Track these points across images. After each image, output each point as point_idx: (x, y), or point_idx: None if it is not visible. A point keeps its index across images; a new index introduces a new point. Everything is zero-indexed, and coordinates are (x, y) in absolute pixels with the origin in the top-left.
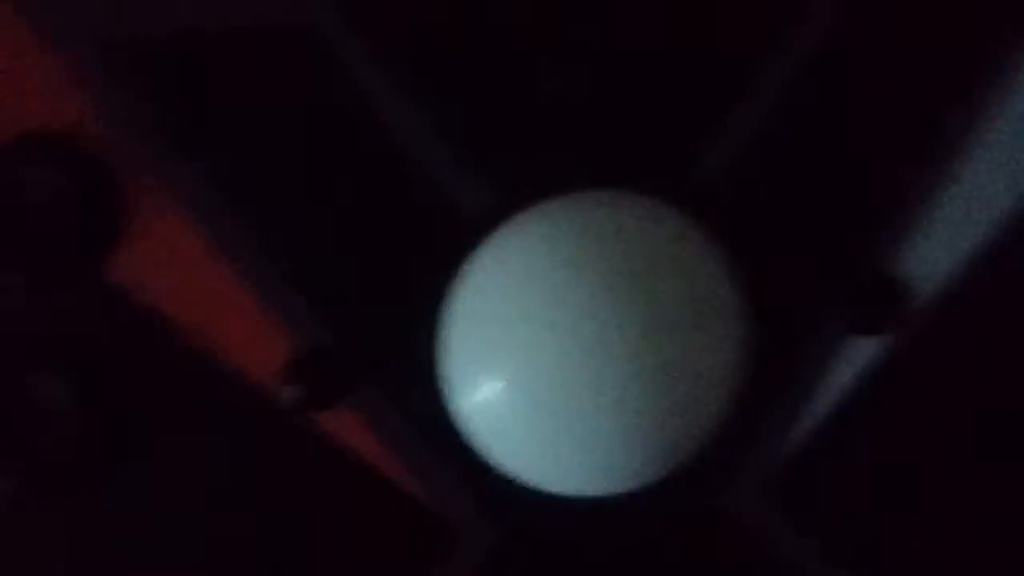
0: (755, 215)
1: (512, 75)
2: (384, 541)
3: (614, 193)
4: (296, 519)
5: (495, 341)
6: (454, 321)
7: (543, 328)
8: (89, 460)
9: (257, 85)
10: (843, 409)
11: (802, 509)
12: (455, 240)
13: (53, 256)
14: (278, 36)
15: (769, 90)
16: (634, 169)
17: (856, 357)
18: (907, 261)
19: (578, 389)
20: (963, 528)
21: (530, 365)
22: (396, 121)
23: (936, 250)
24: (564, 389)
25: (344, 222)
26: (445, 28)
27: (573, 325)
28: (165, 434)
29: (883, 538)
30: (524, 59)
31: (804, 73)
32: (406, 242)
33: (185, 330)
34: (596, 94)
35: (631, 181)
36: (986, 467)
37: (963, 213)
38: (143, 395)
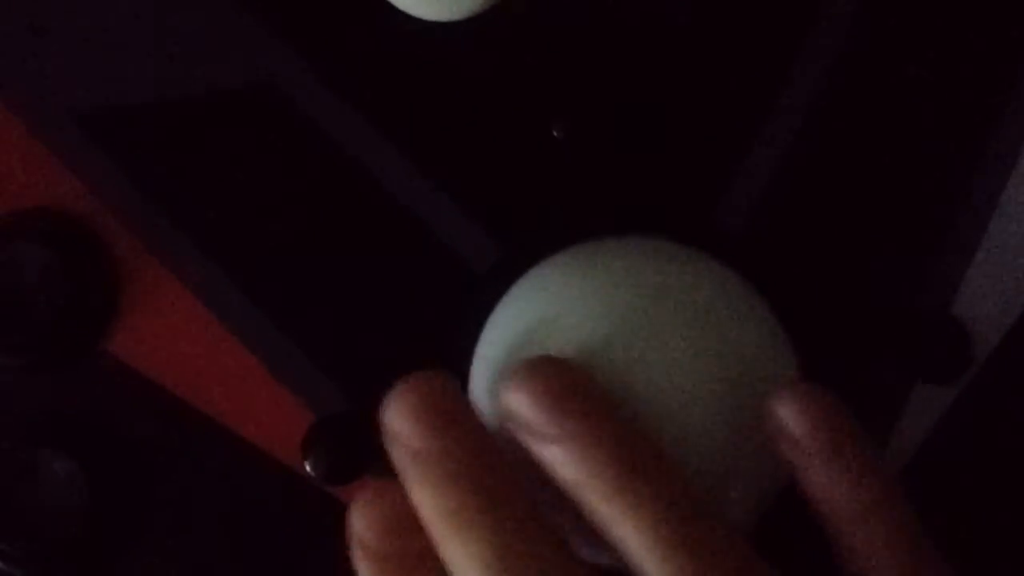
0: (789, 257)
1: (519, 118)
2: None
3: (636, 239)
4: None
5: None
6: (479, 383)
7: None
8: (97, 539)
9: (241, 147)
10: (916, 466)
11: None
12: (471, 297)
13: (51, 334)
14: (256, 97)
15: (792, 121)
16: (653, 214)
17: (925, 408)
18: (968, 299)
19: None
20: None
21: None
22: (390, 176)
23: (997, 285)
24: None
25: (352, 285)
26: (440, 73)
27: (607, 385)
28: (177, 512)
29: None
30: (532, 100)
31: (826, 100)
32: (419, 302)
33: (193, 403)
34: (609, 135)
35: (652, 227)
36: None
37: (1021, 240)
38: (153, 472)
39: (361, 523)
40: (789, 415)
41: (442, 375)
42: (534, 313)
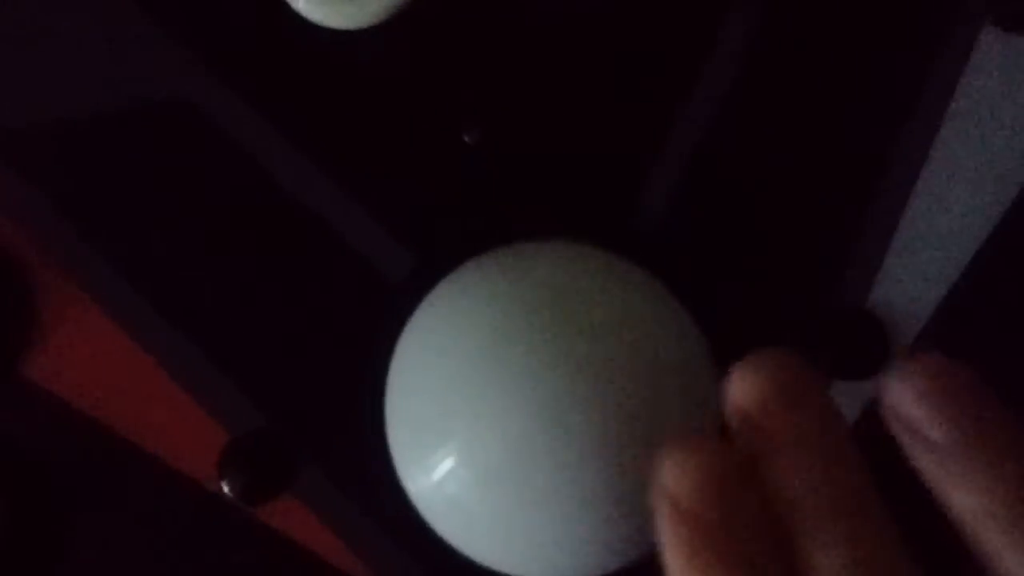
0: (705, 258)
1: (429, 124)
2: None
3: (551, 244)
4: None
5: (443, 414)
6: (396, 396)
7: (493, 395)
8: (16, 564)
9: (154, 164)
10: None
11: None
12: (387, 307)
13: None
14: (165, 112)
15: (704, 119)
16: (567, 218)
17: (845, 404)
18: (884, 294)
19: (538, 460)
20: None
21: (483, 438)
22: (302, 189)
23: (911, 279)
24: (522, 462)
25: (265, 299)
26: (349, 82)
27: (525, 390)
28: (96, 534)
29: None
30: (441, 107)
31: (737, 99)
32: (333, 315)
33: (112, 425)
34: (520, 142)
35: (566, 231)
36: None
37: (933, 235)
38: (72, 495)
39: (675, 476)
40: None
41: (787, 352)
42: (451, 324)
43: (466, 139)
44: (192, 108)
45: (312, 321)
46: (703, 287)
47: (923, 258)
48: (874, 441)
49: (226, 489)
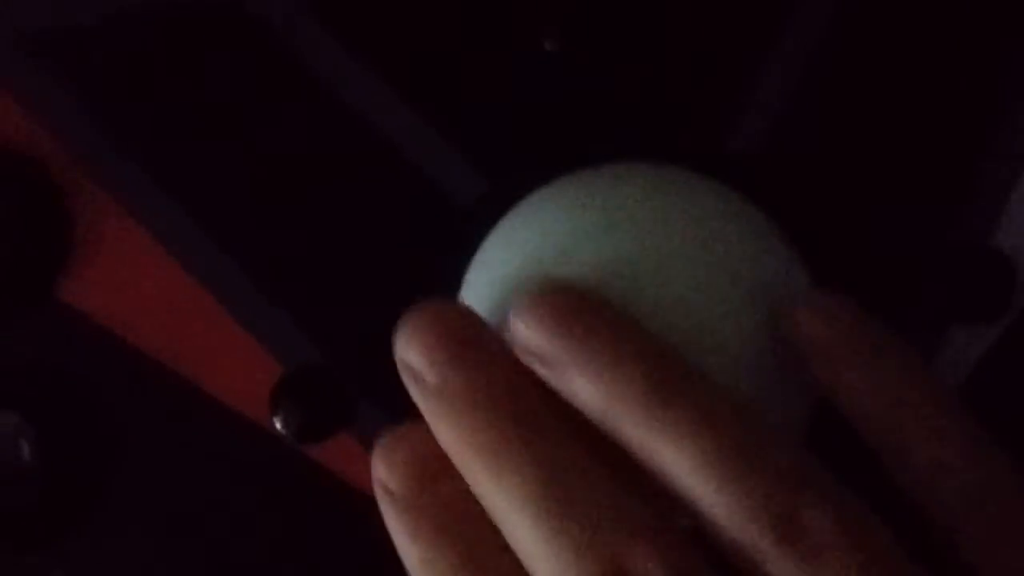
0: (809, 184)
1: (506, 30)
2: None
3: (637, 166)
4: (301, 565)
5: None
6: None
7: None
8: (49, 502)
9: (206, 74)
10: None
11: None
12: (454, 235)
13: (0, 281)
14: (212, 14)
15: (814, 29)
16: (657, 136)
17: (964, 350)
18: (1009, 232)
19: None
20: None
21: None
22: (364, 100)
23: None
24: None
25: (323, 224)
26: None
27: None
28: (136, 473)
29: None
30: (520, 9)
31: (851, 10)
32: (396, 242)
33: (156, 355)
34: (606, 48)
35: (655, 151)
36: None
37: None
38: (110, 430)
39: (385, 469)
40: (818, 323)
41: (455, 302)
42: (526, 251)
43: (546, 46)
44: (251, 14)
45: (373, 247)
46: (808, 218)
47: None
48: (996, 387)
49: (279, 426)
